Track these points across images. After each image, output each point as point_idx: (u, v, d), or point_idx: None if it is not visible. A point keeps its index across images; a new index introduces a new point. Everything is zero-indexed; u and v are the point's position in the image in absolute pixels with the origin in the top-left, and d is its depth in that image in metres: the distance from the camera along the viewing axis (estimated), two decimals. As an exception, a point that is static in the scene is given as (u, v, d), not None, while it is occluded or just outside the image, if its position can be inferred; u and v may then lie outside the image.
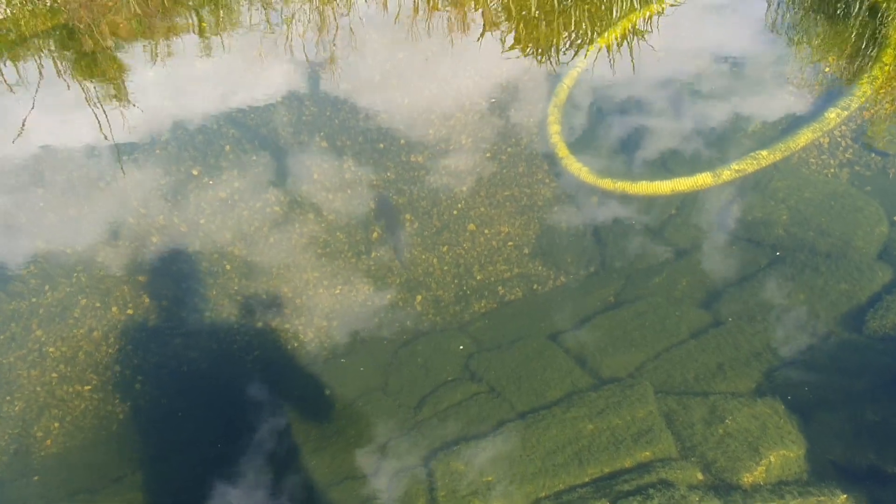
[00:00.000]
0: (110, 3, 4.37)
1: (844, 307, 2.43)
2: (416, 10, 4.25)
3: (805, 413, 2.14)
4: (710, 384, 2.29)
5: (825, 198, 2.79)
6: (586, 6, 4.14)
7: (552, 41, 3.96)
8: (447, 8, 4.29)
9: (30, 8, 4.32)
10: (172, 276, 2.91)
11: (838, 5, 3.83)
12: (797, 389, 2.20)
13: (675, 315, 2.58)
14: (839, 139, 3.04)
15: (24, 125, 3.56)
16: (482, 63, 3.83)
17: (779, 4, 3.95)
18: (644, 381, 2.33)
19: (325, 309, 2.81)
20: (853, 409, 2.11)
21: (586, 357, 2.51)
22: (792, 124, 3.14)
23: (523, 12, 4.16)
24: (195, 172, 3.28)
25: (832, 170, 2.93)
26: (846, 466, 2.02)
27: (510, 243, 3.00)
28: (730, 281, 2.66)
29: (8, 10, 4.31)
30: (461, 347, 2.63)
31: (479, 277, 2.90)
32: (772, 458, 2.02)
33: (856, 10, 3.72)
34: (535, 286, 2.85)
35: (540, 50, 3.90)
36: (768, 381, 2.26)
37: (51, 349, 2.68)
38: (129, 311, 2.80)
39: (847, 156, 2.97)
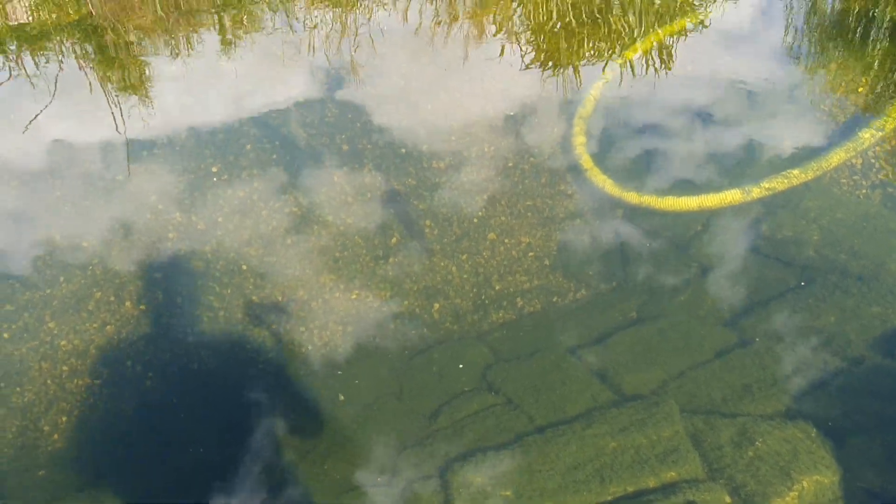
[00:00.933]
0: (136, 2, 4.38)
1: (877, 331, 2.36)
2: (436, 21, 4.23)
3: (838, 438, 2.07)
4: (737, 405, 2.22)
5: (857, 219, 2.73)
6: (611, 18, 4.10)
7: (576, 55, 3.92)
8: (468, 20, 4.27)
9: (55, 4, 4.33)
10: (188, 273, 2.87)
11: (856, 29, 3.79)
12: (829, 414, 2.13)
13: (699, 333, 2.52)
14: (872, 160, 2.98)
15: (36, 118, 3.55)
16: (504, 74, 3.79)
17: (795, 31, 3.90)
18: (669, 399, 2.26)
19: (341, 313, 2.76)
20: (887, 435, 2.04)
21: (607, 372, 2.44)
22: (824, 144, 3.08)
23: (547, 26, 4.12)
24: (214, 170, 3.25)
25: (864, 191, 2.87)
26: (880, 494, 1.94)
27: (531, 254, 2.94)
28: (757, 300, 2.59)
29: (34, 14, 4.33)
30: (461, 366, 2.57)
31: (498, 287, 2.85)
32: (805, 484, 1.95)
33: (874, 33, 3.68)
34: (555, 298, 2.79)
35: (563, 63, 3.87)
36: (798, 405, 2.19)
37: (63, 342, 2.63)
38: (143, 307, 2.76)
39: (880, 177, 2.91)
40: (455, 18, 4.25)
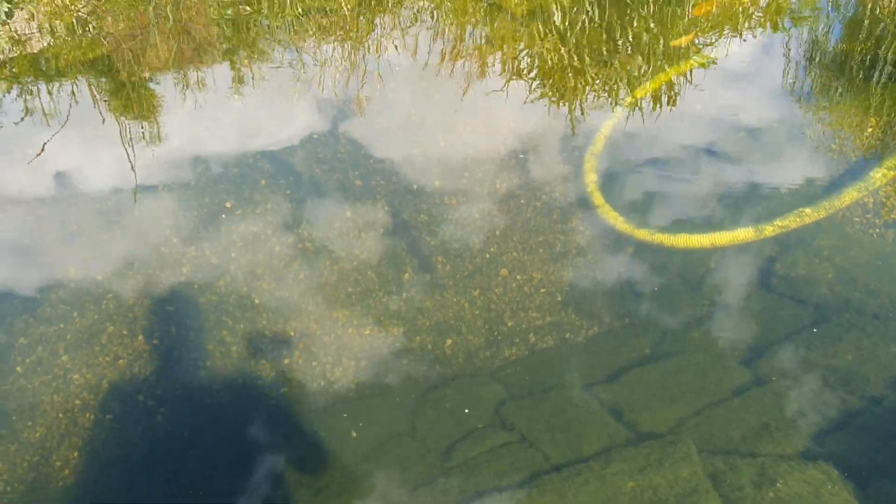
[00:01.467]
0: (150, 40, 4.45)
1: (895, 370, 2.35)
2: (445, 58, 4.29)
3: (860, 481, 2.04)
4: (756, 445, 2.20)
5: (871, 257, 2.73)
6: (619, 59, 4.16)
7: (586, 94, 3.97)
8: (478, 58, 4.32)
9: (72, 39, 4.40)
10: (200, 307, 2.87)
11: (862, 70, 3.83)
12: (850, 455, 2.11)
13: (715, 371, 2.50)
14: (884, 199, 2.99)
15: (48, 151, 3.59)
16: (514, 111, 3.83)
17: (802, 70, 3.95)
18: (686, 438, 2.24)
19: (353, 348, 2.75)
20: (910, 478, 2.01)
21: (623, 410, 2.42)
22: (835, 183, 3.09)
23: (556, 65, 4.18)
24: (228, 205, 3.27)
25: (877, 230, 2.87)
26: (905, 540, 1.91)
27: (543, 290, 2.94)
28: (772, 339, 2.58)
29: (50, 40, 4.40)
30: (466, 411, 2.55)
31: (510, 323, 2.84)
32: (828, 527, 1.92)
33: (880, 74, 3.72)
34: (567, 335, 2.78)
35: (573, 101, 3.91)
36: (818, 445, 2.16)
37: (75, 376, 2.62)
38: (156, 341, 2.75)
39: (893, 216, 2.92)
40: (463, 56, 4.31)
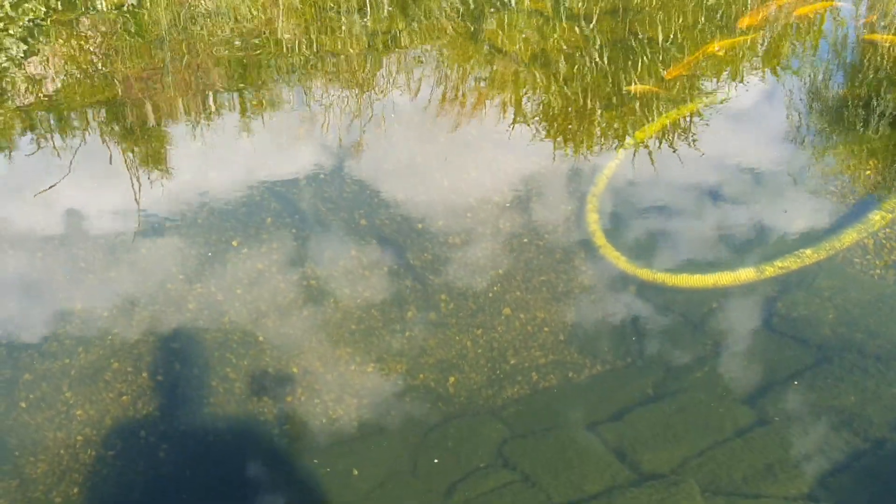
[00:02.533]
0: (159, 83, 4.55)
1: (898, 412, 2.34)
2: (449, 100, 4.37)
3: (865, 523, 2.03)
4: (760, 486, 2.19)
5: (872, 299, 2.75)
6: (624, 104, 4.23)
7: (589, 135, 4.03)
8: (479, 100, 4.40)
9: (85, 81, 4.50)
10: (205, 344, 2.89)
11: (861, 115, 3.89)
12: (855, 498, 2.09)
13: (717, 411, 2.50)
14: (884, 241, 3.01)
15: (56, 189, 3.65)
16: (517, 152, 3.89)
17: (802, 114, 4.01)
18: (689, 478, 2.23)
19: (355, 386, 2.76)
20: (915, 521, 2.00)
21: (625, 450, 2.42)
22: (835, 225, 3.13)
23: (559, 106, 4.25)
24: (234, 244, 3.30)
25: (878, 271, 2.89)
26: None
27: (545, 329, 2.95)
28: (774, 379, 2.58)
29: (64, 81, 4.50)
30: (468, 450, 2.55)
31: (513, 362, 2.85)
32: (834, 570, 1.90)
33: (873, 122, 3.78)
34: (570, 374, 2.79)
35: (576, 142, 3.97)
36: (823, 487, 2.15)
37: (79, 412, 2.63)
38: (160, 378, 2.76)
39: (893, 257, 2.94)
40: (465, 99, 4.40)
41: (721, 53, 4.32)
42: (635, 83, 4.18)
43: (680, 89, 4.22)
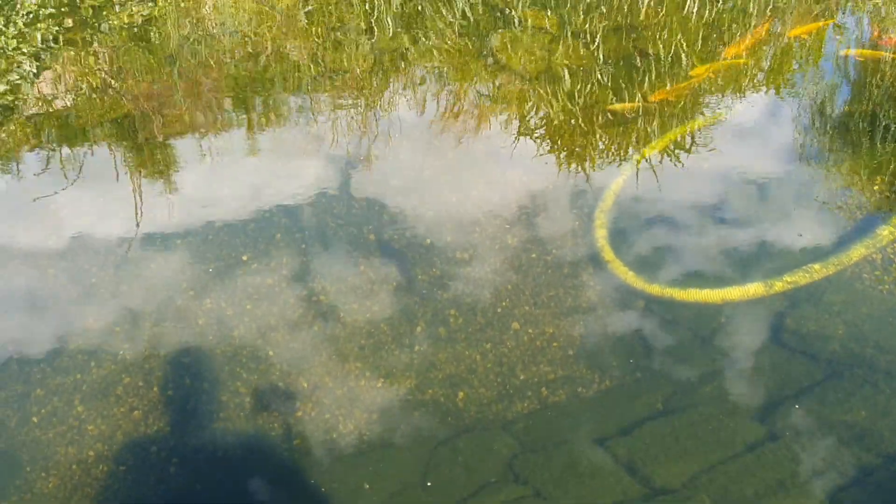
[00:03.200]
0: (168, 100, 4.60)
1: (909, 427, 2.34)
2: (452, 116, 4.40)
3: (879, 538, 2.02)
4: (771, 502, 2.18)
5: (882, 314, 2.75)
6: (630, 121, 4.26)
7: (596, 151, 4.06)
8: (484, 115, 4.44)
9: (96, 99, 4.55)
10: (215, 359, 2.90)
11: (869, 130, 3.91)
12: (867, 512, 2.09)
13: (728, 426, 2.50)
14: (893, 256, 3.02)
15: (65, 207, 3.68)
16: (525, 167, 3.92)
17: (808, 130, 4.03)
18: (701, 493, 2.23)
19: (366, 401, 2.77)
20: (929, 536, 1.99)
21: (636, 465, 2.41)
22: (843, 240, 3.14)
23: (564, 122, 4.28)
24: (244, 259, 3.33)
25: (887, 286, 2.90)
26: None
27: (554, 344, 2.96)
28: (784, 394, 2.59)
29: (74, 100, 4.55)
30: (479, 464, 2.55)
31: (522, 377, 2.85)
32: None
33: (879, 137, 3.80)
34: (579, 388, 2.79)
35: (582, 157, 4.00)
36: (833, 503, 2.15)
37: (90, 427, 2.64)
38: (170, 392, 2.77)
39: (901, 273, 2.95)
40: (471, 114, 4.43)
41: (708, 76, 4.36)
42: (615, 101, 4.25)
43: (664, 111, 4.25)
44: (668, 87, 4.32)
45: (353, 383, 2.82)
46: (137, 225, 3.55)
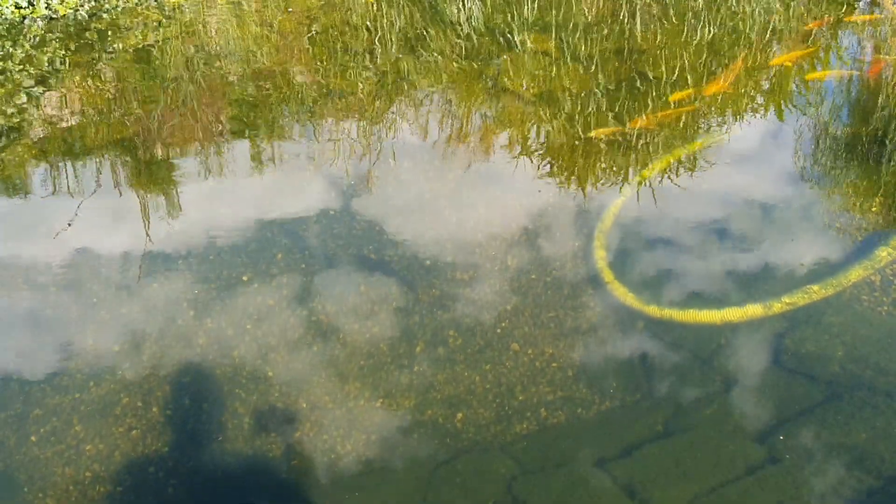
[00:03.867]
0: (172, 122, 4.64)
1: (910, 449, 2.33)
2: (453, 138, 4.43)
3: (879, 561, 2.00)
4: (772, 524, 2.17)
5: (881, 335, 2.75)
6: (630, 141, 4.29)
7: (595, 172, 4.08)
8: (485, 137, 4.47)
9: (99, 120, 4.60)
10: (214, 379, 2.90)
11: (867, 152, 3.93)
12: (868, 535, 2.07)
13: (728, 448, 2.49)
14: (891, 277, 3.03)
15: (71, 226, 3.70)
16: (524, 189, 3.94)
17: (807, 152, 4.05)
18: (701, 516, 2.21)
19: (364, 421, 2.76)
20: (930, 560, 1.97)
21: (636, 487, 2.40)
22: (841, 261, 3.14)
23: (565, 144, 4.31)
24: (245, 279, 3.34)
25: (886, 307, 2.90)
26: None
27: (554, 364, 2.96)
28: (784, 416, 2.58)
29: (78, 121, 4.60)
30: (477, 486, 2.54)
31: (521, 398, 2.84)
32: None
33: (877, 157, 3.82)
34: (579, 410, 2.78)
35: (582, 179, 4.02)
36: (835, 525, 2.13)
37: (88, 446, 2.64)
38: (169, 412, 2.77)
39: (900, 294, 2.95)
40: (472, 136, 4.46)
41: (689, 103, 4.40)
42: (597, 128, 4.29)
43: (647, 136, 4.28)
44: (648, 115, 4.35)
45: (351, 404, 2.81)
46: (139, 246, 3.57)
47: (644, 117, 4.30)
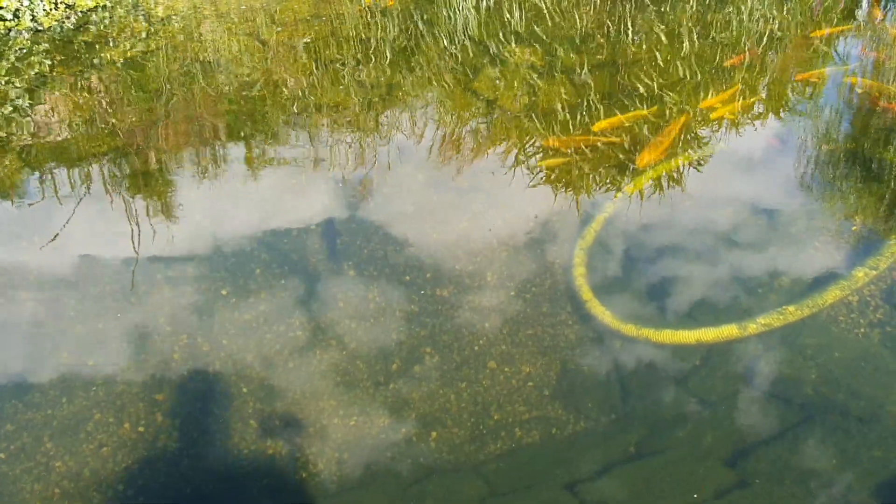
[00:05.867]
0: (161, 132, 4.65)
1: (881, 475, 2.32)
2: (444, 146, 4.43)
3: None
4: (736, 551, 2.16)
5: (856, 358, 2.74)
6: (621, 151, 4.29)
7: (581, 185, 4.07)
8: (472, 151, 4.47)
9: (89, 131, 4.61)
10: (189, 395, 2.89)
11: (849, 172, 3.93)
12: (831, 564, 2.06)
13: (699, 471, 2.48)
14: (868, 298, 3.01)
15: (57, 236, 3.70)
16: (509, 202, 3.94)
17: (790, 172, 4.04)
18: (666, 542, 2.20)
19: (338, 439, 2.75)
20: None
21: (605, 510, 2.39)
22: (819, 281, 3.13)
23: (551, 158, 4.31)
24: (224, 293, 3.34)
25: (862, 329, 2.88)
26: None
27: (530, 383, 2.95)
28: (756, 439, 2.57)
29: (68, 132, 4.61)
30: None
31: (496, 417, 2.84)
32: None
33: (859, 175, 3.81)
34: (553, 430, 2.77)
35: (568, 192, 4.02)
36: (800, 553, 2.12)
37: (58, 463, 2.63)
38: (141, 429, 2.77)
39: (878, 316, 2.94)
40: (460, 151, 4.46)
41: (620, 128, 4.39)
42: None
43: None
44: (568, 137, 4.36)
45: (325, 421, 2.80)
46: (129, 256, 3.57)
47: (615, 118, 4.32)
